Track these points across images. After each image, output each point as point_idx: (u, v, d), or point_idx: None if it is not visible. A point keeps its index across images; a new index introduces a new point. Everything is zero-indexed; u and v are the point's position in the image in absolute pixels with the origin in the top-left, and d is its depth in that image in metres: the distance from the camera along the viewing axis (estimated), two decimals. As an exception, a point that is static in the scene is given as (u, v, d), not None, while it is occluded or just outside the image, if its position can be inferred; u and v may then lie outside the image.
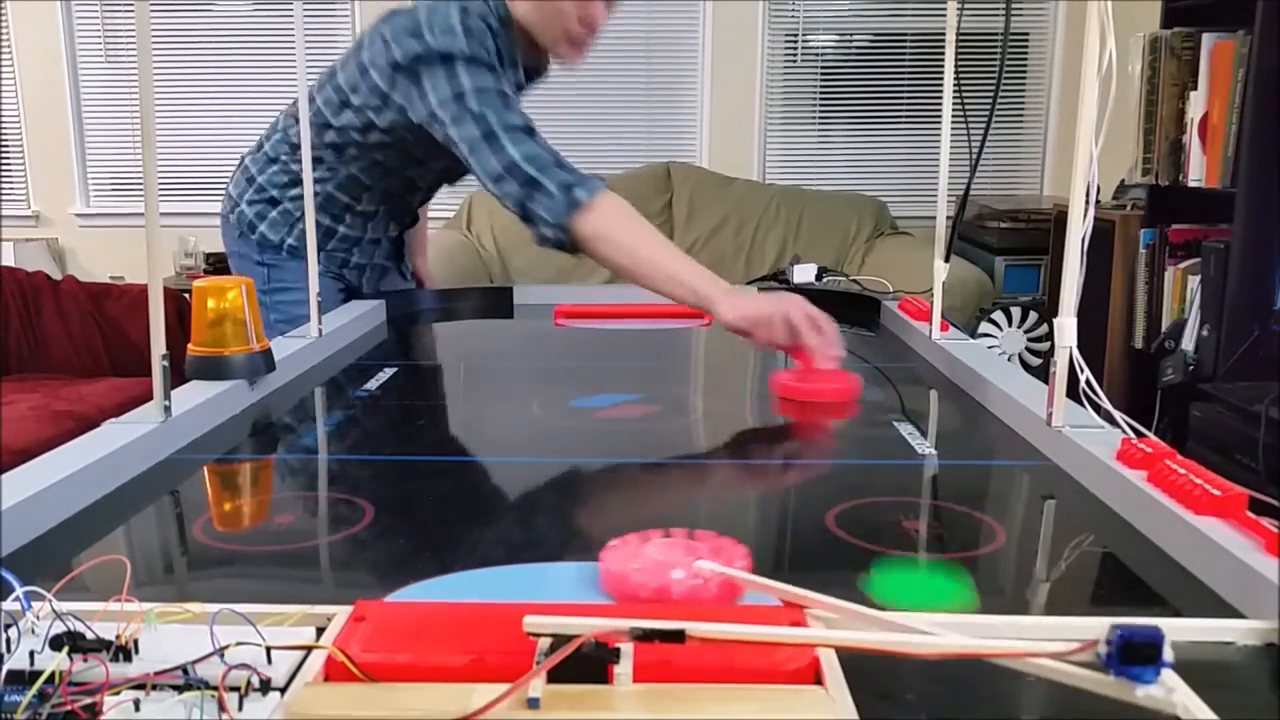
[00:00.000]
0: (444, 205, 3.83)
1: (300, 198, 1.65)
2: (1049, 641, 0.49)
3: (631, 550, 0.68)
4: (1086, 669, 0.48)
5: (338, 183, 1.65)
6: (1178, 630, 0.59)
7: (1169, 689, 0.47)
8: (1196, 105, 2.63)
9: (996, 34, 3.85)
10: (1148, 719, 0.52)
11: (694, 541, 0.69)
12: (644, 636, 0.50)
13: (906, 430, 1.06)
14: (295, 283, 1.68)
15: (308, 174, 1.40)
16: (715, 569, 0.64)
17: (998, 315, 3.08)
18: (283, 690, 0.50)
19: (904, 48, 4.11)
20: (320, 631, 0.56)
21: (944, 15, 1.28)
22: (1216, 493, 0.72)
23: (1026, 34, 4.09)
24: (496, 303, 1.83)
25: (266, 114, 1.79)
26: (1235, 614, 0.64)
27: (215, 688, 0.49)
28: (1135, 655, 0.47)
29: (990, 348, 1.53)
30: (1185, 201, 2.78)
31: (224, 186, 1.79)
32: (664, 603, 0.63)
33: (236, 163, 1.77)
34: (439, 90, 1.43)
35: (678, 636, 0.50)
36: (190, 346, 1.13)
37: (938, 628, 0.52)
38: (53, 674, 0.49)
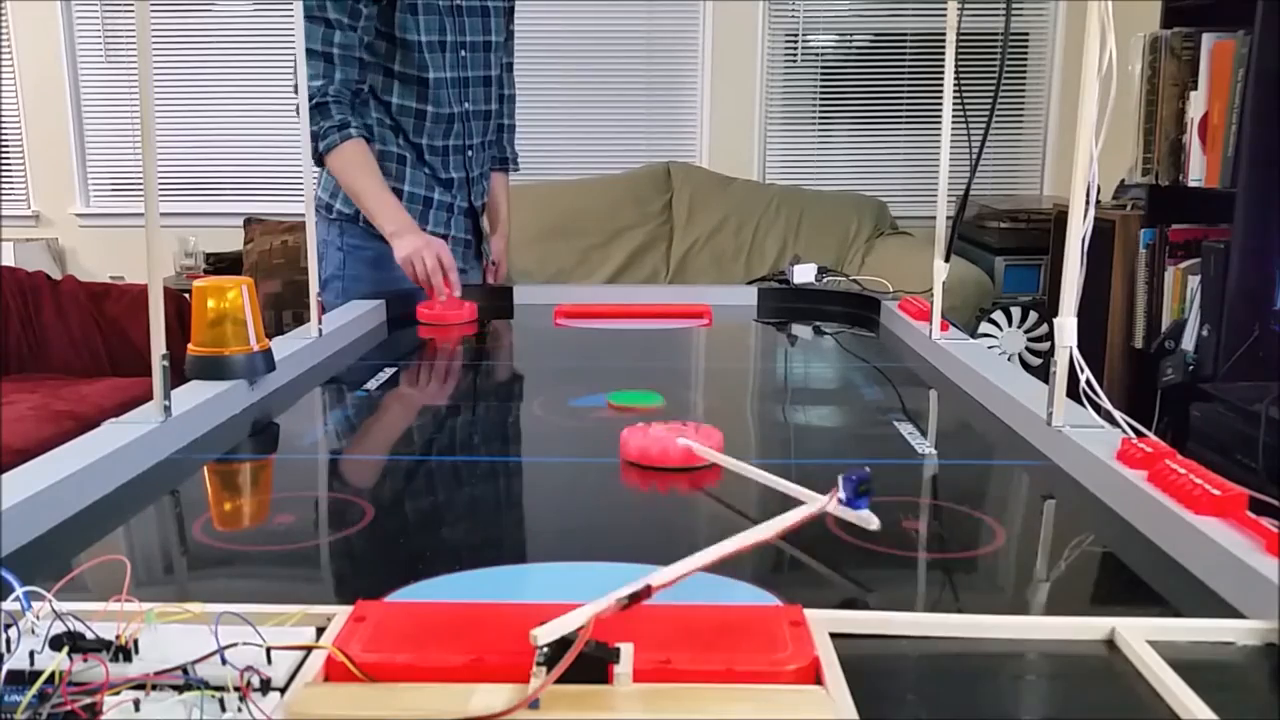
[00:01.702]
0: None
1: None
2: (809, 505, 0.70)
3: (641, 430, 0.97)
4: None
5: (374, 130, 1.80)
6: (1178, 630, 0.59)
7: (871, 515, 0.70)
8: (1196, 105, 2.63)
9: (996, 34, 3.85)
10: (1146, 718, 0.52)
11: (685, 426, 0.97)
12: (627, 603, 0.53)
13: (906, 430, 1.06)
14: (367, 274, 1.83)
15: (308, 172, 1.41)
16: (693, 444, 0.93)
17: (998, 315, 3.08)
18: (283, 690, 0.50)
19: (904, 48, 4.11)
20: (320, 631, 0.56)
21: (944, 15, 1.28)
22: (1216, 493, 0.72)
23: (1026, 34, 4.09)
24: (496, 303, 1.83)
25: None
26: (1235, 614, 0.64)
27: (215, 688, 0.49)
28: (861, 491, 0.68)
29: (990, 348, 1.53)
30: (1185, 201, 2.77)
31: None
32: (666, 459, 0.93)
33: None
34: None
35: (645, 592, 0.54)
36: (190, 346, 1.13)
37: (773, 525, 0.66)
38: (53, 674, 0.49)
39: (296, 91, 1.71)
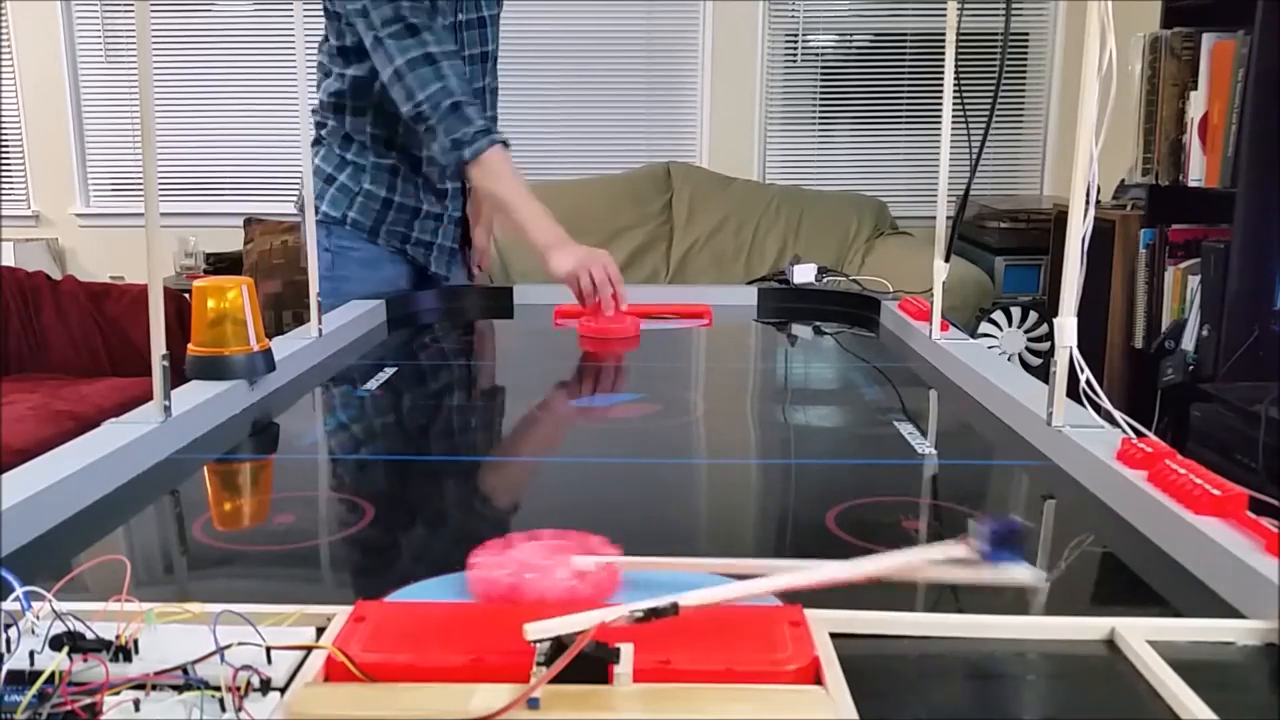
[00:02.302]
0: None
1: (357, 172, 1.79)
2: (934, 548, 0.58)
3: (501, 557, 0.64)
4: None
5: (365, 140, 1.77)
6: (1178, 630, 0.59)
7: (1028, 570, 0.58)
8: (1196, 105, 2.63)
9: (996, 34, 3.85)
10: (1146, 718, 0.52)
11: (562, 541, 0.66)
12: (644, 618, 0.52)
13: (906, 430, 1.06)
14: (356, 274, 1.80)
15: (308, 173, 1.41)
16: (594, 561, 0.62)
17: (998, 315, 3.08)
18: (283, 690, 0.50)
19: (904, 48, 4.11)
20: (320, 631, 0.56)
21: (944, 15, 1.28)
22: (1216, 493, 0.72)
23: (1026, 34, 4.09)
24: (496, 303, 1.82)
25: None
26: (1235, 614, 0.64)
27: (215, 688, 0.49)
28: (1004, 544, 0.56)
29: (990, 348, 1.53)
30: (1185, 201, 2.77)
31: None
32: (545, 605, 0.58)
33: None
34: (365, 16, 1.61)
35: (673, 610, 0.52)
36: (190, 346, 1.13)
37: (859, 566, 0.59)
38: (53, 674, 0.49)
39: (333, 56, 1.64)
